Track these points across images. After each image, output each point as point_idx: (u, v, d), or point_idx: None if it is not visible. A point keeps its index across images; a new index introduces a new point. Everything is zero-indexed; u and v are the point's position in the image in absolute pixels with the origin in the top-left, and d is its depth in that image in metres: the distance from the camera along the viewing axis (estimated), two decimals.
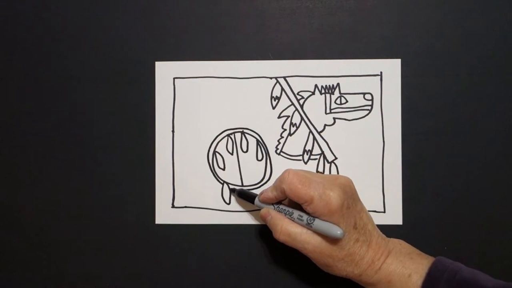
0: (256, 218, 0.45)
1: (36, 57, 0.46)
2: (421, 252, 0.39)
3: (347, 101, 0.45)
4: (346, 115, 0.45)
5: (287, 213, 0.39)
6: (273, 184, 0.40)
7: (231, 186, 0.45)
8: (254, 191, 0.45)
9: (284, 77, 0.45)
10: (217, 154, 0.46)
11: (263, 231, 0.45)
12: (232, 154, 0.45)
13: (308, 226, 0.37)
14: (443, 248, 0.44)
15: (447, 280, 0.35)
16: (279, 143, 0.45)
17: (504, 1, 0.44)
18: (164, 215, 0.45)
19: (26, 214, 0.46)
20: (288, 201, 0.41)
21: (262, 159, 0.45)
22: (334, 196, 0.36)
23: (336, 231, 0.35)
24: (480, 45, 0.44)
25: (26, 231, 0.46)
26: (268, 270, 0.45)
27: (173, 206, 0.46)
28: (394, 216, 0.44)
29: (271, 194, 0.40)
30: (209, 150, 0.45)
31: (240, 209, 0.45)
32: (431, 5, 0.44)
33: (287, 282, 0.45)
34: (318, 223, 0.37)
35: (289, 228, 0.38)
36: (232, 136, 0.45)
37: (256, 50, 0.45)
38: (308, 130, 0.45)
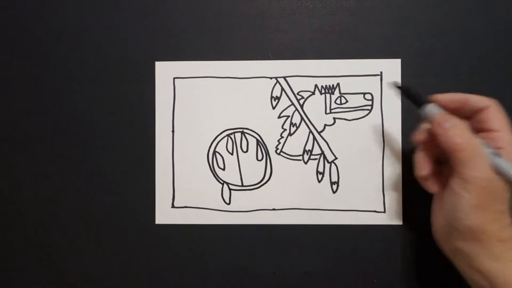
0: (256, 218, 0.45)
1: (36, 57, 0.46)
2: None
3: (347, 101, 0.45)
4: (346, 115, 0.45)
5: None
6: (468, 95, 0.36)
7: (393, 82, 0.40)
8: (253, 191, 0.45)
9: (284, 77, 0.45)
10: (217, 154, 0.46)
11: (263, 231, 0.45)
12: (232, 154, 0.46)
13: (501, 165, 0.33)
14: None
15: None
16: (279, 143, 0.45)
17: (504, 1, 0.44)
18: (164, 215, 0.45)
19: (26, 214, 0.46)
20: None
21: (262, 159, 0.45)
22: None
23: None
24: (480, 45, 0.44)
25: (26, 231, 0.46)
26: (268, 270, 0.45)
27: (173, 206, 0.46)
28: (394, 216, 0.44)
29: (463, 97, 0.35)
30: (209, 150, 0.45)
31: (240, 209, 0.45)
32: (431, 5, 0.44)
33: (287, 282, 0.45)
34: (507, 163, 0.32)
35: (476, 142, 0.33)
36: (232, 136, 0.45)
37: (256, 50, 0.45)
38: (308, 130, 0.45)
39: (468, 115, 0.36)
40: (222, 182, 0.46)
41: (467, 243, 0.33)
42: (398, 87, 0.39)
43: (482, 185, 0.32)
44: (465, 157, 0.32)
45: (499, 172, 0.32)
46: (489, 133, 0.34)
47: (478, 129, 0.35)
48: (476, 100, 0.35)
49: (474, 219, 0.32)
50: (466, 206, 0.32)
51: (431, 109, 0.36)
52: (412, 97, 0.38)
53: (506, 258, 0.31)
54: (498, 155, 0.33)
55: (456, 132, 0.33)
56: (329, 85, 0.45)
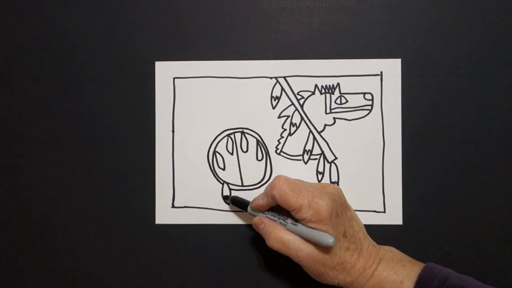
0: None
1: (36, 57, 0.46)
2: (412, 259, 0.39)
3: (347, 101, 0.45)
4: (346, 115, 0.45)
5: (281, 219, 0.39)
6: (264, 191, 0.41)
7: (224, 194, 0.45)
8: (253, 191, 0.45)
9: (284, 77, 0.45)
10: (217, 154, 0.46)
11: None
12: (232, 154, 0.45)
13: (301, 233, 0.38)
14: (443, 248, 0.44)
15: (437, 286, 0.35)
16: (279, 143, 0.45)
17: (504, 1, 0.44)
18: (164, 215, 0.45)
19: (26, 214, 0.46)
20: (279, 209, 0.41)
21: (262, 159, 0.45)
22: (323, 204, 0.37)
23: (328, 239, 0.36)
24: (480, 45, 0.44)
25: (26, 231, 0.46)
26: (268, 270, 0.45)
27: (173, 206, 0.46)
28: (394, 216, 0.44)
29: (262, 201, 0.40)
30: (209, 150, 0.45)
31: (240, 209, 0.45)
32: (431, 5, 0.44)
33: (287, 282, 0.45)
34: (310, 231, 0.37)
35: (282, 235, 0.38)
36: (232, 136, 0.45)
37: (256, 50, 0.45)
38: (308, 130, 0.45)
39: None
40: (222, 182, 0.46)
41: None
42: (225, 198, 0.45)
43: (306, 263, 0.38)
44: (282, 253, 0.39)
45: (303, 237, 0.38)
46: (292, 212, 0.38)
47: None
48: (267, 198, 0.40)
49: (322, 281, 0.39)
50: (311, 275, 0.39)
51: (250, 211, 0.42)
52: (239, 204, 0.44)
53: None
54: (295, 224, 0.38)
55: (265, 236, 0.39)
56: (329, 85, 0.45)
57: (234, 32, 0.45)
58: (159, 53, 0.45)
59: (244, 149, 0.45)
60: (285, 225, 0.39)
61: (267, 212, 0.41)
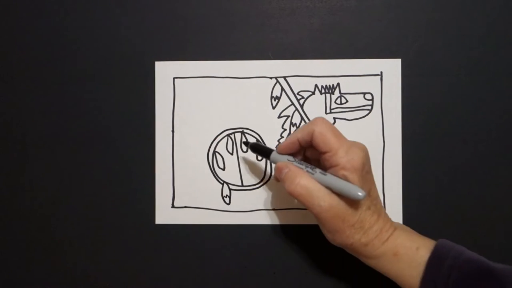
0: (256, 218, 0.45)
1: (36, 57, 0.46)
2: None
3: (347, 101, 0.45)
4: (346, 115, 0.45)
5: (308, 167, 0.37)
6: (300, 128, 0.38)
7: (243, 140, 0.44)
8: (253, 191, 0.45)
9: (284, 77, 0.45)
10: (217, 154, 0.46)
11: (263, 231, 0.45)
12: (232, 154, 0.45)
13: (330, 183, 0.36)
14: None
15: (454, 257, 0.34)
16: (279, 143, 0.45)
17: (504, 1, 0.44)
18: (164, 215, 0.45)
19: (27, 214, 0.46)
20: (304, 159, 0.40)
21: (262, 159, 0.45)
22: (359, 154, 0.35)
23: (358, 191, 0.34)
24: (480, 45, 0.44)
25: (26, 231, 0.46)
26: (268, 270, 0.45)
27: (173, 206, 0.46)
28: (394, 216, 0.44)
29: (294, 137, 0.38)
30: (209, 150, 0.45)
31: (240, 209, 0.45)
32: (431, 5, 0.44)
33: (288, 282, 0.45)
34: (341, 182, 0.35)
35: (307, 182, 0.36)
36: (232, 136, 0.45)
37: (256, 50, 0.45)
38: None
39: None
40: (222, 182, 0.46)
41: (348, 250, 0.38)
42: (246, 144, 0.43)
43: (327, 215, 0.35)
44: (302, 200, 0.36)
45: (331, 188, 0.36)
46: (325, 155, 0.36)
47: (321, 156, 0.37)
48: (303, 133, 0.37)
49: (335, 239, 0.37)
50: (325, 233, 0.38)
51: (275, 157, 0.40)
52: (260, 150, 0.41)
53: (376, 256, 0.37)
54: (324, 174, 0.36)
55: (288, 180, 0.36)
56: (329, 85, 0.45)
57: (234, 32, 0.45)
58: (159, 53, 0.45)
59: (244, 149, 0.45)
60: (313, 174, 0.36)
61: (292, 160, 0.38)
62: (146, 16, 0.45)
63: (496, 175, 0.44)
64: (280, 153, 0.39)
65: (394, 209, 0.44)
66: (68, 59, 0.46)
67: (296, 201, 0.45)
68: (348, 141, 0.37)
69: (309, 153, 0.40)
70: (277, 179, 0.39)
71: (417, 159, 0.44)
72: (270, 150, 0.40)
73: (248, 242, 0.45)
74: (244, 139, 0.45)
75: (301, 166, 0.37)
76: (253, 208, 0.45)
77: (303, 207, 0.45)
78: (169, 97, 0.46)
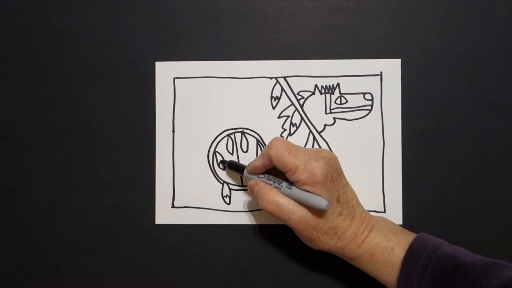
0: (256, 218, 0.45)
1: (36, 57, 0.46)
2: (404, 229, 0.39)
3: (347, 101, 0.45)
4: (346, 115, 0.45)
5: (276, 182, 0.39)
6: (261, 152, 0.41)
7: (220, 159, 0.45)
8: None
9: (284, 77, 0.45)
10: (217, 154, 0.46)
11: (263, 231, 0.45)
12: (232, 154, 0.45)
13: (295, 196, 0.37)
14: None
15: (428, 254, 0.35)
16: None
17: (504, 1, 0.44)
18: (164, 215, 0.45)
19: (26, 214, 0.46)
20: (274, 174, 0.41)
21: None
22: (318, 167, 0.37)
23: (322, 202, 0.36)
24: (480, 45, 0.44)
25: (26, 231, 0.46)
26: (268, 270, 0.45)
27: (173, 206, 0.46)
28: (394, 216, 0.44)
29: (258, 162, 0.40)
30: (209, 150, 0.45)
31: (240, 209, 0.45)
32: (431, 5, 0.44)
33: (288, 282, 0.45)
34: (305, 194, 0.37)
35: (276, 198, 0.38)
36: (232, 136, 0.45)
37: (256, 50, 0.45)
38: (308, 130, 0.45)
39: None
40: (222, 182, 0.46)
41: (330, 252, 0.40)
42: (223, 162, 0.45)
43: (299, 226, 0.38)
44: (275, 215, 0.38)
45: (297, 201, 0.38)
46: (286, 174, 0.38)
47: (285, 174, 0.39)
48: (263, 158, 0.39)
49: (313, 246, 0.39)
50: (303, 240, 0.40)
51: (246, 175, 0.42)
52: (235, 168, 0.44)
53: (354, 257, 0.38)
54: (290, 188, 0.38)
55: (259, 198, 0.39)
56: (329, 85, 0.45)
57: (234, 32, 0.45)
58: (159, 53, 0.45)
59: (244, 149, 0.45)
60: (280, 188, 0.39)
61: (262, 176, 0.41)
62: (146, 16, 0.45)
63: (496, 175, 0.44)
64: (249, 173, 0.42)
65: (394, 209, 0.44)
66: (68, 59, 0.46)
67: None
68: (307, 155, 0.38)
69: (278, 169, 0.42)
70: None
71: (417, 159, 0.44)
72: (243, 168, 0.43)
73: (248, 242, 0.45)
74: (220, 160, 0.45)
75: (269, 182, 0.40)
76: (253, 208, 0.45)
77: None
78: (169, 97, 0.46)
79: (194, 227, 0.45)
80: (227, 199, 0.45)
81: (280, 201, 0.38)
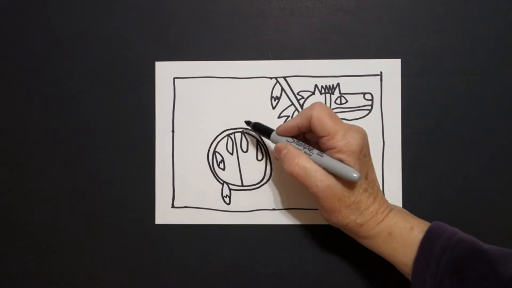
0: (256, 218, 0.45)
1: (36, 57, 0.46)
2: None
3: (347, 101, 0.45)
4: (346, 115, 0.45)
5: (306, 148, 0.38)
6: (298, 114, 0.39)
7: (246, 119, 0.44)
8: (253, 191, 0.45)
9: (284, 77, 0.45)
10: (217, 154, 0.46)
11: (263, 231, 0.45)
12: (232, 154, 0.45)
13: (326, 164, 0.37)
14: None
15: (447, 237, 0.35)
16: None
17: (504, 1, 0.44)
18: (164, 215, 0.45)
19: (26, 214, 0.46)
20: (303, 140, 0.41)
21: (262, 159, 0.45)
22: (357, 138, 0.36)
23: (353, 173, 0.35)
24: (480, 45, 0.44)
25: (26, 231, 0.46)
26: (268, 270, 0.45)
27: (173, 206, 0.46)
28: None
29: (293, 122, 0.39)
30: (209, 150, 0.45)
31: (240, 209, 0.45)
32: (431, 5, 0.44)
33: (288, 282, 0.45)
34: (337, 163, 0.36)
35: (305, 163, 0.37)
36: (232, 136, 0.45)
37: (256, 50, 0.45)
38: None
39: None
40: (222, 182, 0.46)
41: (344, 231, 0.40)
42: (248, 123, 0.44)
43: (323, 195, 0.37)
44: (300, 180, 0.37)
45: (327, 169, 0.37)
46: (323, 139, 0.37)
47: (319, 139, 0.38)
48: (301, 118, 0.38)
49: (332, 219, 0.38)
50: (322, 212, 0.39)
51: (275, 137, 0.41)
52: (261, 130, 0.42)
53: (371, 236, 0.38)
54: (321, 155, 0.37)
55: (287, 161, 0.38)
56: (329, 85, 0.45)
57: (234, 32, 0.45)
58: (159, 53, 0.45)
59: (244, 149, 0.45)
60: (310, 155, 0.38)
61: (291, 140, 0.39)
62: (146, 16, 0.45)
63: (496, 175, 0.44)
64: (279, 134, 0.40)
65: None
66: (68, 59, 0.46)
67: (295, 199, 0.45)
68: (346, 124, 0.37)
69: (309, 135, 0.41)
70: (276, 158, 0.40)
71: (417, 159, 0.44)
72: (271, 131, 0.41)
73: (248, 242, 0.45)
74: (246, 120, 0.44)
75: (299, 147, 0.38)
76: (253, 208, 0.45)
77: (303, 207, 0.45)
78: (169, 97, 0.46)
79: (194, 227, 0.45)
80: (227, 199, 0.45)
81: (309, 167, 0.37)
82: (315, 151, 0.38)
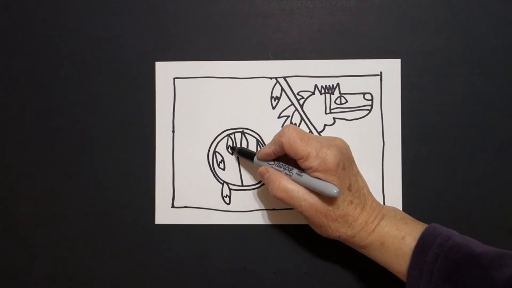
0: (256, 218, 0.45)
1: (36, 57, 0.46)
2: (415, 219, 0.39)
3: (347, 101, 0.45)
4: (346, 115, 0.45)
5: (286, 169, 0.39)
6: (272, 139, 0.40)
7: (230, 145, 0.45)
8: (255, 191, 0.45)
9: (284, 77, 0.45)
10: (217, 154, 0.46)
11: (263, 231, 0.45)
12: (232, 154, 0.46)
13: (306, 184, 0.37)
14: None
15: (439, 244, 0.35)
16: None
17: (504, 1, 0.44)
18: (164, 215, 0.45)
19: (26, 214, 0.46)
20: (285, 161, 0.41)
21: None
22: (330, 155, 0.36)
23: (333, 189, 0.35)
24: (480, 45, 0.44)
25: (26, 231, 0.46)
26: (268, 270, 0.45)
27: (173, 206, 0.46)
28: None
29: (269, 149, 0.40)
30: (209, 150, 0.46)
31: (240, 209, 0.45)
32: (431, 5, 0.44)
33: (288, 282, 0.45)
34: (315, 181, 0.37)
35: (286, 185, 0.38)
36: (232, 136, 0.45)
37: (256, 50, 0.45)
38: (308, 130, 0.45)
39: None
40: (222, 182, 0.46)
41: (340, 241, 0.40)
42: (232, 148, 0.45)
43: (309, 213, 0.38)
44: (285, 202, 0.38)
45: (308, 188, 0.37)
46: (298, 161, 0.38)
47: (297, 161, 0.38)
48: (275, 145, 0.39)
49: (323, 233, 0.39)
50: (313, 228, 0.40)
51: (257, 161, 0.42)
52: (245, 155, 0.44)
53: (364, 246, 0.38)
54: (300, 175, 0.38)
55: (270, 184, 0.39)
56: (329, 85, 0.45)
57: (234, 32, 0.45)
58: (159, 53, 0.45)
59: (231, 152, 0.45)
60: (290, 175, 0.38)
61: (272, 163, 0.40)
62: (146, 17, 0.45)
63: (496, 175, 0.44)
64: (260, 159, 0.42)
65: None
66: (68, 60, 0.46)
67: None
68: (319, 143, 0.37)
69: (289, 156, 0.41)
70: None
71: (417, 159, 0.44)
72: (253, 154, 0.43)
73: (248, 242, 0.45)
74: (229, 145, 0.45)
75: (279, 169, 0.40)
76: (253, 208, 0.45)
77: None
78: (169, 97, 0.46)
79: (194, 227, 0.45)
80: (227, 199, 0.45)
81: (291, 188, 0.38)
82: (295, 171, 0.38)
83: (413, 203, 0.44)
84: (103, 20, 0.46)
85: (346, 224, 0.37)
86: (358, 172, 0.39)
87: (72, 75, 0.46)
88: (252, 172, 0.45)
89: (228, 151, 0.45)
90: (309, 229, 0.45)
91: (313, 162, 0.36)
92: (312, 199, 0.37)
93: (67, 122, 0.46)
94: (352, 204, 0.37)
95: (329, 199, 0.37)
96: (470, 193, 0.44)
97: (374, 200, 0.39)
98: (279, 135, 0.39)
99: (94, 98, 0.46)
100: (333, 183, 0.36)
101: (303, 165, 0.37)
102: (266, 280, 0.45)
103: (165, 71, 0.45)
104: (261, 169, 0.41)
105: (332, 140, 0.39)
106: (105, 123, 0.46)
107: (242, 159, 0.45)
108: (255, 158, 0.42)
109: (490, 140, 0.44)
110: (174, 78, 0.45)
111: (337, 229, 0.38)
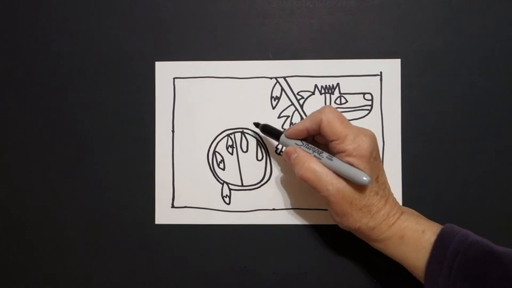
0: (256, 218, 0.45)
1: (36, 57, 0.46)
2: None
3: (347, 101, 0.45)
4: (346, 115, 0.45)
5: (316, 151, 0.38)
6: (308, 117, 0.39)
7: (254, 121, 0.44)
8: (255, 191, 0.45)
9: (284, 77, 0.45)
10: (217, 154, 0.46)
11: (264, 231, 0.45)
12: (232, 154, 0.46)
13: (336, 168, 0.36)
14: None
15: (459, 241, 0.35)
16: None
17: (504, 1, 0.44)
18: (164, 215, 0.45)
19: (26, 214, 0.46)
20: (312, 142, 0.40)
21: (262, 159, 0.45)
22: (366, 142, 0.36)
23: (363, 177, 0.35)
24: (480, 45, 0.44)
25: (26, 231, 0.46)
26: (268, 270, 0.45)
27: (173, 206, 0.46)
28: None
29: (302, 126, 0.39)
30: (209, 150, 0.46)
31: (240, 209, 0.45)
32: (431, 5, 0.44)
33: (287, 282, 0.45)
34: (347, 167, 0.36)
35: (315, 167, 0.37)
36: (232, 136, 0.45)
37: (256, 50, 0.45)
38: None
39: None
40: (222, 182, 0.46)
41: (356, 234, 0.39)
42: (257, 125, 0.43)
43: (334, 198, 0.37)
44: (311, 184, 0.37)
45: (337, 173, 0.36)
46: (332, 143, 0.37)
47: (329, 143, 0.38)
48: (311, 122, 0.38)
49: (343, 222, 0.38)
50: (333, 216, 0.39)
51: (284, 140, 0.40)
52: (270, 132, 0.42)
53: (383, 239, 0.37)
54: (331, 159, 0.37)
55: (297, 165, 0.38)
56: (329, 85, 0.45)
57: (234, 32, 0.45)
58: (159, 53, 0.45)
59: (244, 149, 0.45)
60: (320, 158, 0.37)
61: (300, 143, 0.39)
62: (146, 16, 0.45)
63: (496, 175, 0.44)
64: (288, 137, 0.40)
65: None
66: (68, 60, 0.46)
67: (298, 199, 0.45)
68: (356, 128, 0.37)
69: (318, 138, 0.41)
70: (285, 161, 0.40)
71: (417, 159, 0.44)
72: (280, 133, 0.41)
73: (248, 242, 0.45)
74: (255, 121, 0.44)
75: (308, 150, 0.38)
76: (253, 208, 0.45)
77: (303, 207, 0.45)
78: (169, 97, 0.46)
79: (194, 227, 0.45)
80: (227, 199, 0.45)
81: (319, 170, 0.37)
82: (325, 155, 0.37)
83: (413, 203, 0.44)
84: (103, 20, 0.46)
85: (369, 214, 0.37)
86: (383, 167, 0.39)
87: (72, 75, 0.46)
88: (252, 172, 0.45)
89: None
90: (309, 229, 0.45)
91: (349, 145, 0.36)
92: (340, 184, 0.36)
93: (67, 122, 0.46)
94: (378, 196, 0.37)
95: (357, 187, 0.36)
96: (470, 193, 0.44)
97: (394, 197, 0.39)
98: (318, 112, 0.38)
99: (94, 98, 0.46)
100: (364, 171, 0.36)
101: (338, 147, 0.37)
102: (266, 280, 0.45)
103: (165, 71, 0.45)
104: (289, 148, 0.39)
105: (365, 130, 0.38)
106: (105, 123, 0.46)
107: (245, 158, 0.45)
108: (282, 136, 0.41)
109: (490, 140, 0.44)
110: (174, 78, 0.45)
111: (359, 219, 0.37)
